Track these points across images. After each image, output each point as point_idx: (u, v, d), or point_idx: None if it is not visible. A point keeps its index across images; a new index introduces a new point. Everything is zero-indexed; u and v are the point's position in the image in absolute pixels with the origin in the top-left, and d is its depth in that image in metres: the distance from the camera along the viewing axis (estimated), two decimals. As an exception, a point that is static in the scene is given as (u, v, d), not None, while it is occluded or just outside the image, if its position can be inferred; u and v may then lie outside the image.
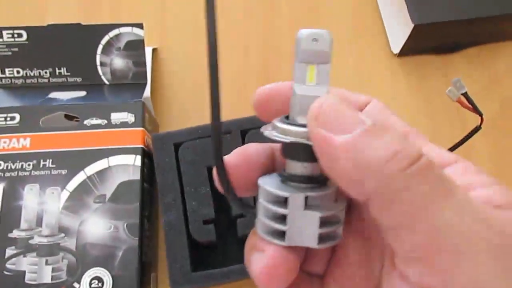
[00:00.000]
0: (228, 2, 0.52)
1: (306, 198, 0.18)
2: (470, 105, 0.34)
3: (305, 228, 0.18)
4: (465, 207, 0.15)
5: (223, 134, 0.39)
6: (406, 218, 0.15)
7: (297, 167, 0.19)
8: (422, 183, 0.15)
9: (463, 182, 0.17)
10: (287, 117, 0.19)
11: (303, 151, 0.18)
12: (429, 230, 0.15)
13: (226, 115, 0.40)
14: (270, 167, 0.21)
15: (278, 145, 0.21)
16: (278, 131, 0.18)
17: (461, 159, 0.19)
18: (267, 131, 0.19)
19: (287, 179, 0.19)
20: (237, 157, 0.20)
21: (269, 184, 0.19)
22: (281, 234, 0.18)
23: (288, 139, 0.18)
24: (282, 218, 0.18)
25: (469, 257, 0.15)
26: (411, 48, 0.48)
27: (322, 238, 0.18)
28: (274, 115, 0.20)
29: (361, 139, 0.16)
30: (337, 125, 0.16)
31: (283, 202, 0.18)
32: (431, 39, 0.48)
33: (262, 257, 0.18)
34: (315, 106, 0.17)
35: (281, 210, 0.18)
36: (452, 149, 0.38)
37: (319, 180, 0.19)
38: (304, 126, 0.18)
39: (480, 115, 0.35)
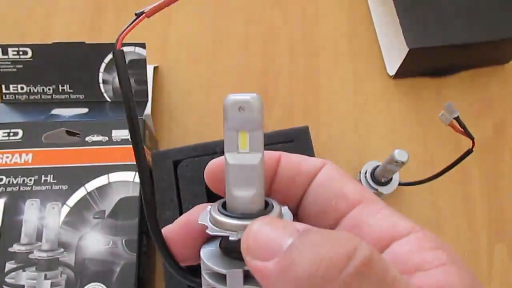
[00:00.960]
0: (228, 28, 0.54)
1: (247, 272, 0.17)
2: (461, 129, 0.35)
3: None
4: None
5: (210, 154, 0.40)
6: None
7: (235, 247, 0.18)
8: (361, 285, 0.14)
9: (415, 261, 0.17)
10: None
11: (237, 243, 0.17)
12: None
13: (220, 135, 0.41)
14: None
15: None
16: (213, 222, 0.18)
17: (416, 229, 0.18)
18: (203, 222, 0.18)
19: (227, 250, 0.18)
20: (178, 228, 0.20)
21: (209, 257, 0.18)
22: None
23: (222, 232, 0.17)
24: None
25: None
26: (406, 71, 0.49)
27: None
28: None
29: (286, 258, 0.15)
30: (265, 251, 0.16)
31: (224, 277, 0.18)
32: (426, 62, 0.49)
33: None
34: (244, 237, 0.17)
35: (221, 287, 0.18)
36: (444, 171, 0.39)
37: None
38: (236, 217, 0.17)
39: (472, 139, 0.35)
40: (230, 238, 0.17)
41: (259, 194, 0.18)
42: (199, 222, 0.18)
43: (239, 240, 0.17)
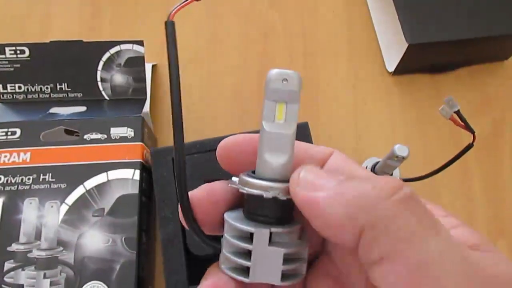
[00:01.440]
0: (227, 28, 0.53)
1: (271, 234, 0.18)
2: (462, 123, 0.35)
3: (269, 264, 0.18)
4: (448, 244, 0.16)
5: (210, 151, 0.40)
6: (392, 250, 0.15)
7: (262, 210, 0.19)
8: (408, 213, 0.16)
9: None
10: (253, 172, 0.20)
11: (271, 204, 0.19)
12: (413, 262, 0.15)
13: (218, 132, 0.41)
14: (236, 204, 0.21)
15: None
16: (247, 185, 0.19)
17: (427, 202, 0.19)
18: (234, 185, 0.19)
19: (253, 215, 0.19)
20: (202, 193, 0.20)
21: (234, 219, 0.19)
22: (245, 270, 0.18)
23: (256, 191, 0.18)
24: (247, 254, 0.18)
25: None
26: (405, 67, 0.49)
27: (285, 275, 0.18)
28: (237, 165, 0.21)
29: (342, 185, 0.17)
30: (315, 185, 0.17)
31: (248, 237, 0.18)
32: (425, 58, 0.49)
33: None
34: (294, 176, 0.18)
35: (246, 246, 0.18)
36: (444, 166, 0.38)
37: (283, 218, 0.19)
38: (269, 180, 0.18)
39: (472, 132, 0.35)
40: (264, 196, 0.18)
41: (289, 162, 0.19)
42: (229, 185, 0.20)
43: (267, 202, 0.18)
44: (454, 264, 0.15)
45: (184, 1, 0.20)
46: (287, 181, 0.18)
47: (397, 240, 0.15)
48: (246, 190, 0.18)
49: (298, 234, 0.19)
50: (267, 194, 0.18)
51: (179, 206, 0.19)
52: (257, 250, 0.18)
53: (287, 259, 0.18)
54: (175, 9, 0.20)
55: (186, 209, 0.19)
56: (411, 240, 0.15)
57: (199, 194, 0.20)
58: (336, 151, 0.22)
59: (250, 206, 0.19)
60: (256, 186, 0.18)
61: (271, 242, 0.18)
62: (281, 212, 0.19)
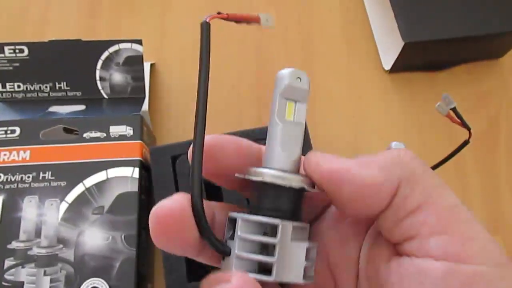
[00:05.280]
0: (224, 26, 0.54)
1: (293, 228, 0.18)
2: (458, 120, 0.35)
3: (292, 260, 0.17)
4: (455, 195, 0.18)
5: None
6: (429, 196, 0.17)
7: (281, 201, 0.18)
8: (430, 170, 0.18)
9: None
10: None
11: (290, 197, 0.18)
12: (448, 205, 0.17)
13: (216, 130, 0.41)
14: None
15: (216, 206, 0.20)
16: (270, 177, 0.18)
17: None
18: (253, 176, 0.19)
19: (268, 210, 0.18)
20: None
21: (247, 216, 0.18)
22: (267, 269, 0.17)
23: (286, 183, 0.18)
24: (269, 250, 0.18)
25: (477, 229, 0.17)
26: (402, 65, 0.50)
27: (305, 273, 0.18)
28: (213, 168, 0.19)
29: (363, 158, 0.18)
30: (339, 159, 0.18)
31: (269, 232, 0.18)
32: (421, 56, 0.49)
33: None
34: (310, 154, 0.19)
35: (270, 240, 0.17)
36: (441, 163, 0.39)
37: (298, 214, 0.19)
38: (282, 170, 0.18)
39: (469, 129, 0.36)
40: (294, 186, 0.18)
41: (299, 160, 0.19)
42: (246, 176, 0.19)
43: (288, 195, 0.18)
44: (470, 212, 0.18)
45: (216, 14, 0.22)
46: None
47: (431, 188, 0.17)
48: (272, 180, 0.18)
49: (308, 234, 0.19)
50: (296, 184, 0.18)
51: (193, 215, 0.18)
52: (282, 245, 0.17)
53: (307, 256, 0.18)
54: (212, 16, 0.21)
55: (200, 211, 0.18)
56: (441, 188, 0.18)
57: (169, 213, 0.18)
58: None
59: (267, 201, 0.18)
60: (281, 178, 0.18)
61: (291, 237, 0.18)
62: (298, 206, 0.19)
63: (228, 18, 0.22)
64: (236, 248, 0.18)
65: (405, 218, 0.17)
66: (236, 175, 0.19)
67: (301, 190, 0.18)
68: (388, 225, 0.18)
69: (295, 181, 0.18)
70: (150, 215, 0.18)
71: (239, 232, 0.18)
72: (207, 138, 0.19)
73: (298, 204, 0.19)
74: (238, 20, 0.23)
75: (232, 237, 0.18)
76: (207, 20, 0.20)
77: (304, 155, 0.20)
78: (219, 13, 0.21)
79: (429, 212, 0.17)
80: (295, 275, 0.18)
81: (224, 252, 0.18)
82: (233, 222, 0.19)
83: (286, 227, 0.17)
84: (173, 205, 0.18)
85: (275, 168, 0.19)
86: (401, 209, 0.17)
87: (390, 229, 0.18)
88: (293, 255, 0.18)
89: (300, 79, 0.19)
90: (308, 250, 0.18)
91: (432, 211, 0.17)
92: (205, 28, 0.20)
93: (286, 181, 0.18)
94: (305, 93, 0.19)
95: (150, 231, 0.18)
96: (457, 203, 0.17)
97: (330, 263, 0.20)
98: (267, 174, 0.18)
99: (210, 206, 0.20)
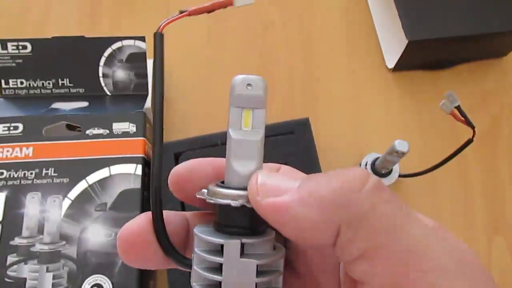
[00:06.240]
0: (226, 23, 0.54)
1: (243, 245, 0.17)
2: (462, 118, 0.35)
3: (242, 277, 0.17)
4: (427, 228, 0.16)
5: (211, 146, 0.40)
6: (373, 244, 0.15)
7: (232, 220, 0.18)
8: (383, 202, 0.15)
9: None
10: (222, 182, 0.19)
11: (241, 213, 0.18)
12: (399, 251, 0.15)
13: (215, 129, 0.41)
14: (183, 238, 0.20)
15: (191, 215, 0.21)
16: (215, 195, 0.18)
17: None
18: (201, 196, 0.19)
19: (223, 227, 0.18)
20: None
21: (203, 232, 0.18)
22: (217, 286, 0.18)
23: (223, 200, 0.18)
24: (218, 268, 0.18)
25: (444, 274, 0.15)
26: (405, 64, 0.50)
27: None
28: (191, 192, 0.20)
29: (307, 184, 0.16)
30: (277, 190, 0.16)
31: (219, 250, 0.18)
32: (425, 55, 0.49)
33: None
34: (252, 183, 0.17)
35: (216, 259, 0.17)
36: (444, 162, 0.39)
37: (255, 228, 0.18)
38: (236, 189, 0.18)
39: (472, 127, 0.36)
40: (232, 204, 0.17)
41: (258, 169, 0.18)
42: (197, 196, 0.19)
43: (237, 211, 0.17)
44: (442, 247, 0.15)
45: (176, 15, 0.21)
46: None
47: (377, 233, 0.15)
48: (213, 200, 0.18)
49: (272, 244, 0.19)
50: (235, 203, 0.17)
51: (153, 227, 0.19)
52: (228, 263, 0.17)
53: (261, 271, 0.18)
54: (165, 22, 0.20)
55: (160, 230, 0.19)
56: (393, 230, 0.15)
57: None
58: (284, 165, 0.22)
59: (220, 218, 0.18)
60: (223, 195, 0.18)
61: (243, 254, 0.17)
62: (252, 222, 0.18)
63: (190, 14, 0.21)
64: (193, 264, 0.18)
65: (353, 262, 0.16)
66: (197, 195, 0.19)
67: (242, 208, 0.18)
68: (340, 259, 0.17)
69: (233, 199, 0.17)
70: (117, 237, 0.18)
71: (195, 248, 0.18)
72: (184, 164, 0.20)
73: (254, 218, 0.18)
74: (207, 11, 0.22)
75: None
76: (160, 31, 0.20)
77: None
78: (181, 12, 0.21)
79: (375, 263, 0.15)
80: None
81: (186, 266, 0.19)
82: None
83: (232, 245, 0.17)
84: (134, 228, 0.18)
85: (225, 184, 0.18)
86: (345, 253, 0.16)
87: (344, 264, 0.17)
88: (242, 272, 0.17)
89: (250, 85, 0.18)
90: (261, 266, 0.18)
91: (378, 261, 0.15)
92: (158, 39, 0.20)
93: (226, 199, 0.18)
94: (260, 98, 0.18)
95: (118, 251, 0.19)
96: (413, 248, 0.15)
97: (313, 269, 0.20)
98: (210, 191, 0.18)
99: (184, 216, 0.20)
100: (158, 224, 0.19)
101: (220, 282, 0.17)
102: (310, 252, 0.20)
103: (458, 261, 0.15)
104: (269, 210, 0.16)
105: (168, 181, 0.20)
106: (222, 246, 0.17)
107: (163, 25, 0.20)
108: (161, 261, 0.19)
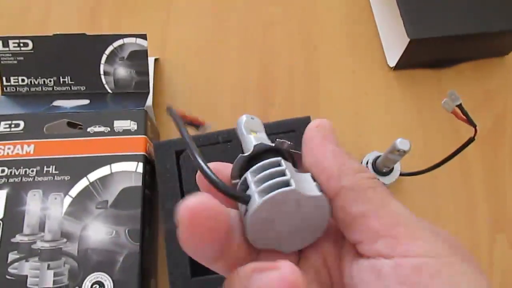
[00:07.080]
0: (228, 21, 0.54)
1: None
2: (464, 117, 0.35)
3: (303, 180, 0.20)
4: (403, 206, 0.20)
5: (213, 144, 0.41)
6: (373, 207, 0.19)
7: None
8: (381, 187, 0.20)
9: None
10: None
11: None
12: (391, 214, 0.19)
13: (216, 127, 0.41)
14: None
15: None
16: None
17: None
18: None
19: (275, 151, 0.22)
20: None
21: (253, 167, 0.21)
22: (286, 183, 0.19)
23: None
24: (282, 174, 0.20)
25: (421, 231, 0.18)
26: (406, 62, 0.49)
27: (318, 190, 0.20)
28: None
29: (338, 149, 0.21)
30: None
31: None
32: (427, 53, 0.49)
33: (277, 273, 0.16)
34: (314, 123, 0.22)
35: (279, 168, 0.20)
36: (445, 160, 0.39)
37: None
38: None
39: (474, 126, 0.36)
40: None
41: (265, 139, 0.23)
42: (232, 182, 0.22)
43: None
44: (414, 217, 0.19)
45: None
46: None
47: (373, 201, 0.19)
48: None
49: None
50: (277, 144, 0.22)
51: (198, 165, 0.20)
52: (290, 171, 0.20)
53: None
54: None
55: (212, 178, 0.19)
56: (383, 202, 0.19)
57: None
58: None
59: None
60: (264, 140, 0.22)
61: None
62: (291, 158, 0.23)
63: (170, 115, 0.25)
64: (253, 186, 0.20)
65: (352, 222, 0.19)
66: (232, 181, 0.22)
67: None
68: (341, 227, 0.20)
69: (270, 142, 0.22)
70: (181, 211, 0.17)
71: (253, 178, 0.20)
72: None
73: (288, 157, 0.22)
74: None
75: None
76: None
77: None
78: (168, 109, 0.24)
79: (374, 219, 0.19)
80: (310, 189, 0.20)
81: (242, 198, 0.20)
82: (244, 183, 0.21)
83: (286, 162, 0.20)
84: (193, 200, 0.17)
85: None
86: (345, 209, 0.19)
87: (344, 231, 0.20)
88: (301, 177, 0.20)
89: (253, 118, 0.25)
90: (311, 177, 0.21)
91: (377, 218, 0.19)
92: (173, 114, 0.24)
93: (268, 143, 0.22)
94: (260, 124, 0.25)
95: (180, 227, 0.17)
96: (401, 211, 0.19)
97: (327, 264, 0.21)
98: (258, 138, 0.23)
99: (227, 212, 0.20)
100: (205, 169, 0.20)
101: (287, 180, 0.19)
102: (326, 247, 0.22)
103: (438, 233, 0.19)
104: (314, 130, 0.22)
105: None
106: (275, 166, 0.20)
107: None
108: (220, 243, 0.18)
